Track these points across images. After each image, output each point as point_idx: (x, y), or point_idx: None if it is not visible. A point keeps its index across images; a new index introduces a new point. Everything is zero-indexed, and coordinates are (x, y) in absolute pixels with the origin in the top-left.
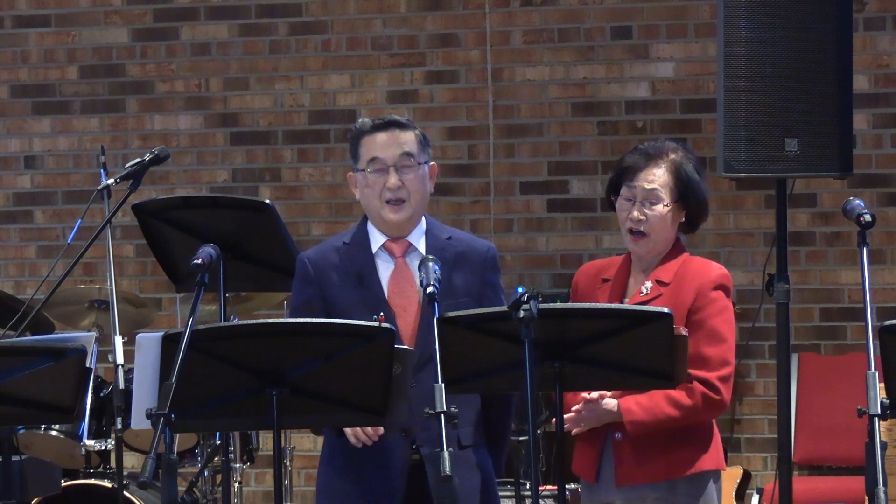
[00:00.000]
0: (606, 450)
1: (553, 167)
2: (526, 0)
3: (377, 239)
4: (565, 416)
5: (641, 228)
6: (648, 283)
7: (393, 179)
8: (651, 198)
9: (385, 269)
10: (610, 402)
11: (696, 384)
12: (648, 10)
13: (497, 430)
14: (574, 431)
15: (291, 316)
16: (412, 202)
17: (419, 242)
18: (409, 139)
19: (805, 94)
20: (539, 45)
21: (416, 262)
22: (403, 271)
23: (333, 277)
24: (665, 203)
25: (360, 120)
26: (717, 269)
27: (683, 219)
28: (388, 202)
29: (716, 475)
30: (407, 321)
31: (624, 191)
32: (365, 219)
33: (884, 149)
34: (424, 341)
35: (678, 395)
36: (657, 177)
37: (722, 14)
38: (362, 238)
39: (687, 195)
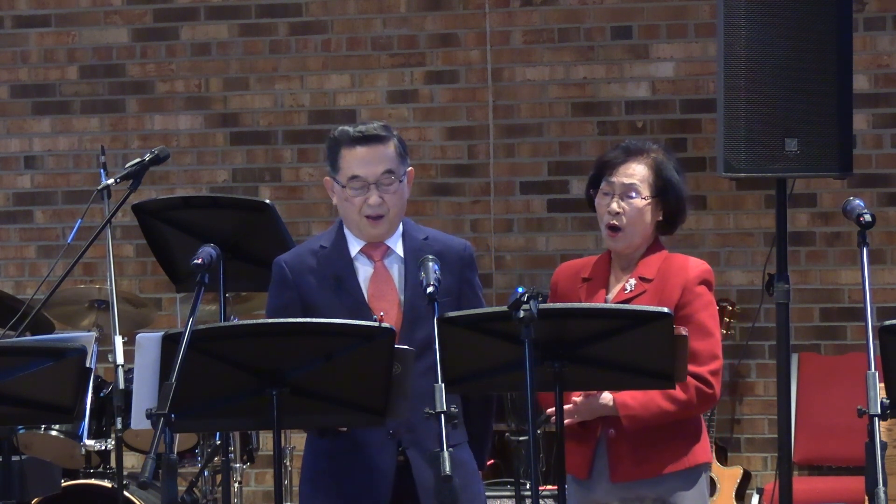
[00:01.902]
0: (600, 446)
1: (553, 167)
2: (526, 0)
3: (355, 244)
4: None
5: (617, 222)
6: (632, 280)
7: (374, 198)
8: (630, 191)
9: (364, 273)
10: (605, 396)
11: (689, 379)
12: (648, 10)
13: (477, 427)
14: (566, 422)
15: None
16: (391, 216)
17: (397, 245)
18: (389, 153)
19: (805, 94)
20: (539, 45)
21: (395, 265)
22: (382, 274)
23: (312, 281)
24: (643, 197)
25: (339, 128)
26: (700, 265)
27: (661, 217)
28: (367, 216)
29: (707, 467)
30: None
31: (603, 185)
32: (341, 222)
33: (884, 149)
34: (407, 342)
35: (673, 389)
36: (637, 171)
37: (722, 14)
38: (339, 242)
39: (666, 192)
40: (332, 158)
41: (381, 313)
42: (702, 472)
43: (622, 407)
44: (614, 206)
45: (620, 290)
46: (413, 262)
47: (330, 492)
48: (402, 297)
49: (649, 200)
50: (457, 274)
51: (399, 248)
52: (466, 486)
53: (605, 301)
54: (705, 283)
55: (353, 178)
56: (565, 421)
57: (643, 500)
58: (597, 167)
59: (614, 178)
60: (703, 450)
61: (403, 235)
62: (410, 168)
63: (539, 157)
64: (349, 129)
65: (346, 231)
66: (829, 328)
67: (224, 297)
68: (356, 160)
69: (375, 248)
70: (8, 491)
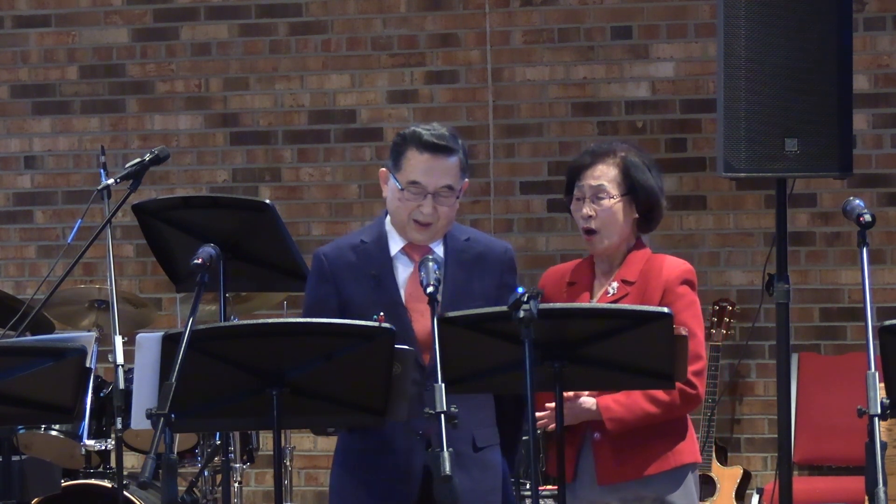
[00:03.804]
0: (584, 449)
1: (553, 167)
2: (526, 0)
3: (397, 241)
4: (540, 413)
5: (592, 225)
6: (615, 284)
7: (428, 208)
8: (599, 192)
9: (403, 272)
10: (588, 401)
11: None
12: (648, 10)
13: (508, 429)
14: (549, 428)
15: (305, 313)
16: (438, 226)
17: (438, 246)
18: (454, 167)
19: (805, 94)
20: (539, 45)
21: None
22: None
23: (349, 276)
24: (612, 196)
25: (411, 128)
26: (681, 265)
27: (636, 215)
28: (416, 221)
29: (693, 467)
30: (424, 325)
31: (575, 191)
32: (384, 216)
33: (884, 149)
34: None
35: (655, 391)
36: (603, 172)
37: (722, 14)
38: (381, 238)
39: (635, 189)
40: (395, 155)
41: (381, 313)
42: (688, 472)
43: (605, 410)
44: (586, 209)
45: (603, 294)
46: (454, 264)
47: (359, 488)
48: (440, 299)
49: (619, 199)
50: (497, 277)
51: (440, 249)
52: (495, 489)
53: None
54: (687, 282)
55: (413, 183)
56: (549, 427)
57: (642, 501)
58: (568, 174)
59: (583, 182)
60: (690, 450)
61: (446, 236)
62: (466, 181)
63: (539, 157)
64: (422, 131)
65: (388, 228)
66: (829, 328)
67: (224, 297)
68: (421, 166)
69: (416, 248)
70: (8, 491)
